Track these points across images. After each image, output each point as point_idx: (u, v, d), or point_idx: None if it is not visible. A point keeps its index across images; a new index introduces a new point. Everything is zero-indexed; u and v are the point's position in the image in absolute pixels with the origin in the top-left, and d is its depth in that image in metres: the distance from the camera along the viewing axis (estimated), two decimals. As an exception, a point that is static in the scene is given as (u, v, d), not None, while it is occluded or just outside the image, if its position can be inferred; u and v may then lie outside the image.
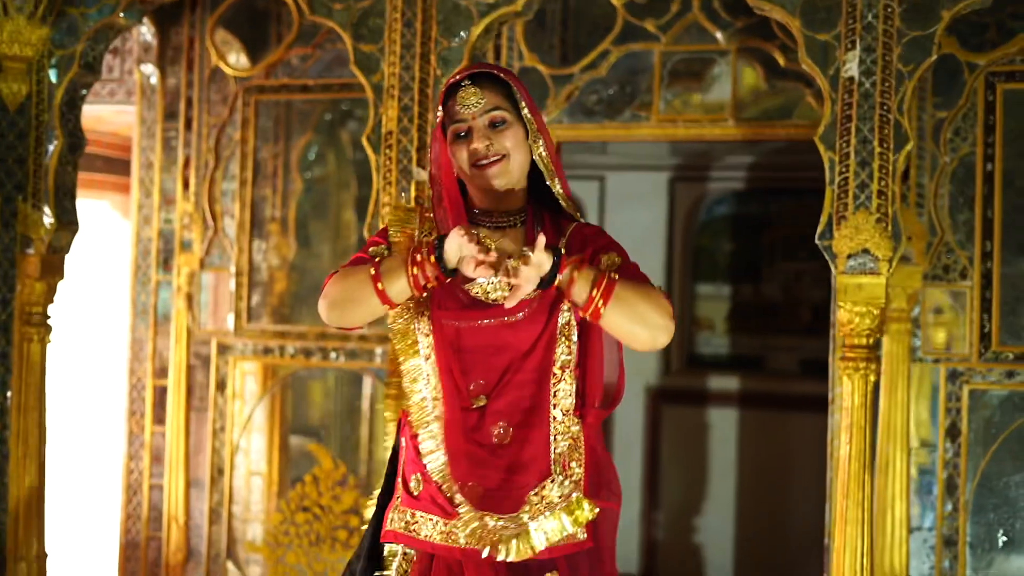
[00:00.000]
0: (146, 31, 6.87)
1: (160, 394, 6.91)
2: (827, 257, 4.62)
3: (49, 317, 5.67)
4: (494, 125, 3.08)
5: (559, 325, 3.07)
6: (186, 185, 6.89)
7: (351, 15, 5.19)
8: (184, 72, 6.89)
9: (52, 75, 5.58)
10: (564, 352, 3.08)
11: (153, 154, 6.94)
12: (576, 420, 3.10)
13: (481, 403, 3.07)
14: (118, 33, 5.74)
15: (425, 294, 3.05)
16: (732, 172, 8.45)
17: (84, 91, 5.70)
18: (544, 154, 3.12)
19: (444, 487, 3.08)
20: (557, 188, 3.17)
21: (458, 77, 3.12)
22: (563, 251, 2.90)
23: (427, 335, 3.13)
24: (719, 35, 6.09)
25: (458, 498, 3.05)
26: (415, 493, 3.12)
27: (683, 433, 8.61)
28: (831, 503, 5.46)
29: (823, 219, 4.61)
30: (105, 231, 8.93)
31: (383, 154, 5.12)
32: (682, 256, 8.71)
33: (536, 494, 3.04)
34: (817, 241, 4.62)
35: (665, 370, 8.70)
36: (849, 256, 4.58)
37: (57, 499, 5.87)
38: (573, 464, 3.08)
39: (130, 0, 5.49)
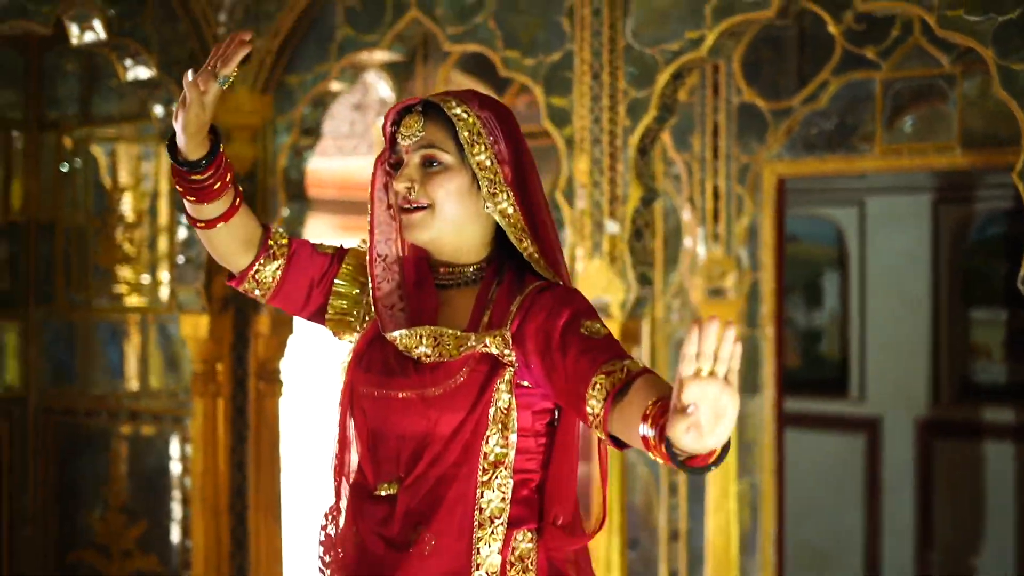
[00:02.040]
0: (383, 87, 7.08)
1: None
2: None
3: (281, 372, 5.93)
4: (426, 164, 2.52)
5: (493, 410, 2.44)
6: (424, 234, 7.03)
7: (541, 69, 5.20)
8: (420, 124, 7.04)
9: (275, 141, 5.84)
10: (498, 444, 2.44)
11: (393, 205, 7.12)
12: (528, 536, 2.49)
13: (391, 491, 2.49)
14: (335, 97, 5.95)
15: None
16: (1002, 191, 7.96)
17: (306, 153, 5.94)
18: (511, 211, 2.50)
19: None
20: (528, 248, 2.51)
21: (410, 102, 2.58)
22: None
23: (347, 408, 2.58)
24: (943, 59, 5.76)
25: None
26: None
27: (956, 468, 8.17)
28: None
29: (1024, 261, 4.30)
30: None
31: (575, 207, 5.10)
32: (949, 280, 8.26)
33: None
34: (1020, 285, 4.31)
35: (935, 400, 8.28)
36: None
37: (296, 551, 6.10)
38: None
39: (342, 66, 5.69)
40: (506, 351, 2.43)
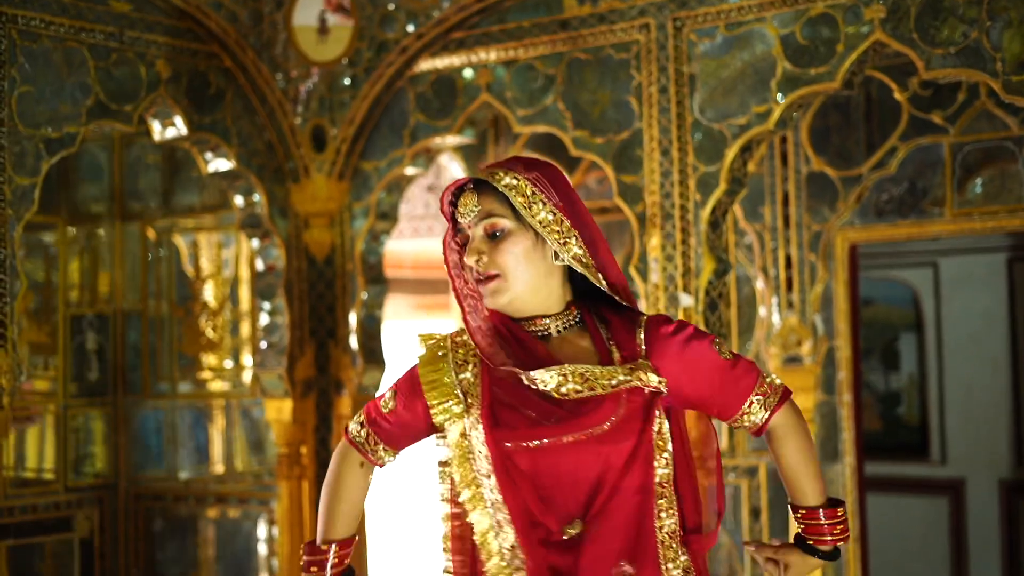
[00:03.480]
0: (456, 168, 7.21)
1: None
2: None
3: (364, 453, 5.99)
4: (491, 236, 2.62)
5: (655, 435, 2.60)
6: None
7: (611, 147, 5.29)
8: (492, 203, 7.15)
9: (352, 226, 5.97)
10: (661, 466, 2.61)
11: (469, 283, 7.22)
12: (682, 549, 2.65)
13: (575, 530, 2.57)
14: (410, 181, 6.08)
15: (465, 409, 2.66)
16: (1078, 247, 7.94)
17: (383, 237, 6.06)
18: (581, 252, 2.63)
19: None
20: (603, 281, 2.65)
21: (461, 182, 2.70)
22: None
23: (489, 475, 2.59)
24: (1010, 121, 5.78)
25: None
26: None
27: (1043, 529, 8.07)
28: None
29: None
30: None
31: (649, 281, 5.17)
32: (1028, 339, 8.21)
33: None
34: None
35: (1019, 461, 8.19)
36: None
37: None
38: None
39: (416, 151, 5.81)
40: (660, 379, 2.59)
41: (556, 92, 5.41)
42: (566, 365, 2.56)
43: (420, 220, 7.48)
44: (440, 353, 2.73)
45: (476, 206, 2.61)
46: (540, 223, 2.60)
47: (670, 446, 2.62)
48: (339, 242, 5.98)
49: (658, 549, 2.59)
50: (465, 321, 2.69)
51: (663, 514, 2.60)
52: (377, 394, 2.81)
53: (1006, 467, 8.21)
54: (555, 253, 2.63)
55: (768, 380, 2.67)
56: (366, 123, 5.87)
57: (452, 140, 5.85)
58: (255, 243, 5.98)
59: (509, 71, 5.52)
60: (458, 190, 2.68)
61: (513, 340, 2.66)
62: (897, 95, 5.91)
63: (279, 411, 5.92)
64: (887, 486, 8.19)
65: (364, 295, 5.96)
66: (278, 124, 5.90)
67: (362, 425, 2.81)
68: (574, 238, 2.62)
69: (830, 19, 4.80)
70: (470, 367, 2.69)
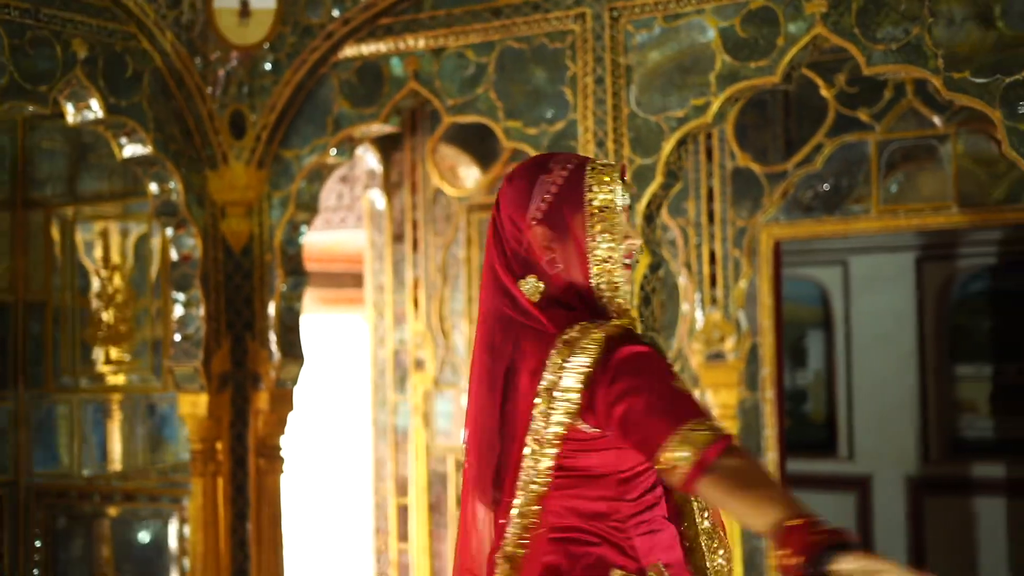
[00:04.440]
0: (371, 158, 7.07)
1: (403, 512, 7.02)
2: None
3: (282, 449, 5.85)
4: None
5: None
6: (416, 305, 7.02)
7: (545, 139, 5.20)
8: (409, 195, 7.06)
9: (271, 216, 5.80)
10: None
11: (384, 276, 7.11)
12: None
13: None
14: (331, 170, 5.93)
15: None
16: (985, 247, 8.04)
17: (303, 228, 5.90)
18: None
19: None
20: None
21: (621, 167, 2.70)
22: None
23: None
24: (936, 119, 5.82)
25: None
26: None
27: (948, 525, 8.17)
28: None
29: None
30: (345, 347, 9.19)
31: (583, 275, 5.08)
32: (936, 337, 8.31)
33: None
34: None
35: (925, 458, 8.30)
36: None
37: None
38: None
39: (339, 139, 5.66)
40: None
41: (488, 81, 5.30)
42: None
43: (332, 212, 7.32)
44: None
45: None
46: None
47: None
48: (257, 232, 5.81)
49: None
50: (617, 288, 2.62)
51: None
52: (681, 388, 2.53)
53: (913, 464, 8.31)
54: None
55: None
56: (288, 110, 5.70)
57: (377, 129, 5.71)
58: (169, 232, 5.77)
59: (438, 59, 5.40)
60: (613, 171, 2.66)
61: None
62: (824, 92, 5.91)
63: (194, 406, 5.73)
64: (797, 482, 8.22)
65: (283, 287, 5.80)
66: (196, 109, 5.70)
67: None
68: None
69: (770, 13, 4.76)
70: None
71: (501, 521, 2.63)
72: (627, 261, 2.62)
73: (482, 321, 2.69)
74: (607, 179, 2.63)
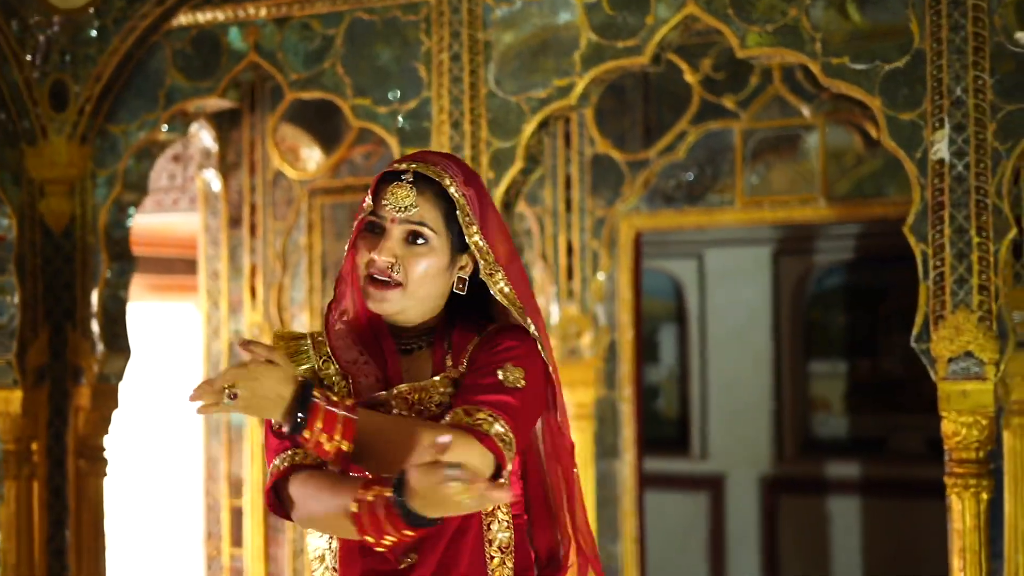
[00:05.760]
0: (206, 136, 6.62)
1: (237, 515, 6.61)
2: (925, 362, 4.13)
3: (105, 450, 5.41)
4: (411, 240, 2.42)
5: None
6: (254, 294, 6.61)
7: (395, 119, 4.84)
8: (247, 176, 6.64)
9: (95, 195, 5.34)
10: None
11: (219, 263, 6.68)
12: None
13: (410, 559, 2.41)
14: (163, 148, 5.49)
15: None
16: (841, 242, 7.93)
17: (131, 209, 5.45)
18: (508, 290, 2.46)
19: None
20: (530, 325, 2.50)
21: (401, 167, 2.44)
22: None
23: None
24: (804, 108, 5.61)
25: None
26: None
27: (802, 525, 8.07)
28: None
29: (918, 319, 4.16)
30: (176, 338, 8.73)
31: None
32: (791, 333, 8.18)
33: None
34: (913, 344, 4.15)
35: (779, 457, 8.18)
36: (950, 360, 4.09)
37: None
38: None
39: (171, 114, 5.23)
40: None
41: (335, 55, 4.92)
42: (395, 388, 2.45)
43: (164, 193, 6.85)
44: (303, 349, 2.53)
45: (414, 205, 2.39)
46: (474, 245, 2.43)
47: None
48: (80, 213, 5.34)
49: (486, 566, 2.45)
50: (331, 308, 2.51)
51: (493, 525, 2.47)
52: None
53: (766, 463, 8.17)
54: (459, 279, 2.48)
55: (487, 431, 2.30)
56: (115, 81, 5.23)
57: (213, 104, 5.28)
58: (-19, 211, 5.27)
59: (281, 30, 5.00)
60: (390, 174, 2.43)
61: (374, 343, 2.50)
62: (688, 76, 5.67)
63: (7, 402, 5.23)
64: (647, 481, 8.04)
65: (107, 273, 5.34)
66: (11, 77, 5.20)
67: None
68: (501, 273, 2.46)
69: (640, -11, 4.48)
70: (334, 365, 2.52)
71: None
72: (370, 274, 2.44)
73: None
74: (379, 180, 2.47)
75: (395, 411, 2.41)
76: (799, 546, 8.13)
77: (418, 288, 2.43)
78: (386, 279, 2.41)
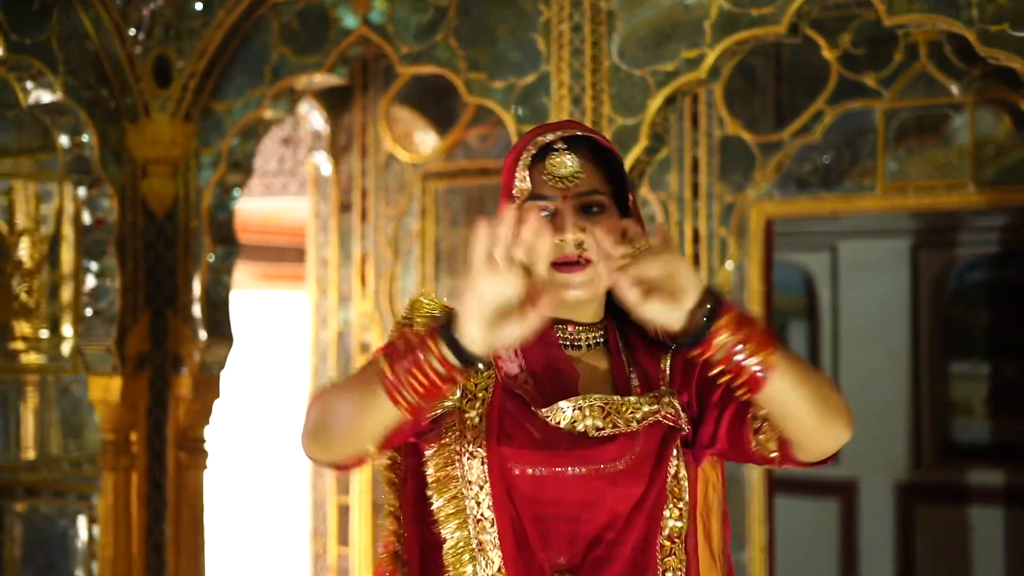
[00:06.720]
0: (316, 118, 6.38)
1: (344, 512, 6.37)
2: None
3: (205, 441, 5.20)
4: (588, 211, 2.12)
5: (669, 478, 2.17)
6: (364, 282, 6.35)
7: (513, 94, 4.54)
8: (358, 160, 6.38)
9: (198, 176, 5.12)
10: (673, 517, 2.18)
11: (329, 250, 6.44)
12: None
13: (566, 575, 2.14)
14: (268, 127, 5.25)
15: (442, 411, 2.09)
16: (985, 235, 7.46)
17: (236, 191, 5.24)
18: None
19: None
20: None
21: (549, 137, 2.15)
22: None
23: (482, 485, 2.13)
24: (953, 86, 5.19)
25: None
26: None
27: (940, 536, 7.62)
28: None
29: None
30: (284, 328, 8.53)
31: (553, 251, 4.44)
32: (930, 331, 7.72)
33: None
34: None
35: (916, 463, 7.73)
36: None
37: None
38: None
39: (278, 90, 4.99)
40: (681, 416, 2.17)
41: (448, 27, 4.64)
42: (583, 396, 2.11)
43: (273, 177, 6.63)
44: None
45: (580, 172, 2.11)
46: (635, 209, 2.19)
47: (686, 495, 2.18)
48: (183, 194, 5.13)
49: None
50: None
51: (668, 574, 2.17)
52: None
53: (902, 468, 7.73)
54: None
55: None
56: (220, 56, 5.02)
57: (321, 80, 5.03)
58: (82, 192, 5.07)
59: (392, 2, 4.72)
60: (542, 150, 2.14)
61: (539, 342, 2.15)
62: (826, 52, 5.28)
63: (106, 390, 5.05)
64: (775, 487, 7.66)
65: (211, 257, 5.13)
66: (114, 52, 5.00)
67: None
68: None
69: (777, -49, 4.12)
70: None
71: None
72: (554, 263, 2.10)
73: None
74: (524, 158, 2.16)
75: (583, 423, 2.11)
76: (937, 558, 7.67)
77: (607, 265, 1.97)
78: (574, 260, 2.09)
